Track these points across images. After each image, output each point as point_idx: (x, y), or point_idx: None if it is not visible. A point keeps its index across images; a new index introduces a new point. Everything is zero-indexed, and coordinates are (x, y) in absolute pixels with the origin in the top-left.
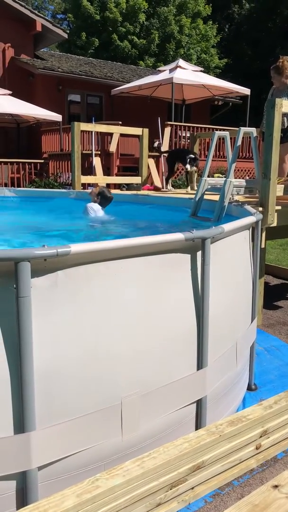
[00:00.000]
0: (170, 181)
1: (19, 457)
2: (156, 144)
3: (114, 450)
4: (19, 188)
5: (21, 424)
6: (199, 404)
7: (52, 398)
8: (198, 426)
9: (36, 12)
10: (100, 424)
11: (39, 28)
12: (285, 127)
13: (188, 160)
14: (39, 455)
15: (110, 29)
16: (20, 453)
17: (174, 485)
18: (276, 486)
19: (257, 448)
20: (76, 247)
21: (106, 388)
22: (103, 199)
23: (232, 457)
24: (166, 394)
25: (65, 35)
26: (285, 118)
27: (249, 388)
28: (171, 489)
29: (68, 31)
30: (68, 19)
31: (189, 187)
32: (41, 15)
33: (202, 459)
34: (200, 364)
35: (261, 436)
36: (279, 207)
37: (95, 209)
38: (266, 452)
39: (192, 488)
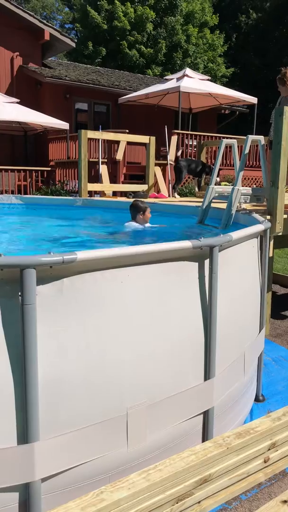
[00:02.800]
0: (177, 189)
1: (22, 468)
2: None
3: (119, 462)
4: (25, 196)
5: (24, 434)
6: (206, 415)
7: (57, 408)
8: (205, 438)
9: (45, 21)
10: (105, 435)
11: (47, 37)
12: None
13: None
14: (43, 466)
15: (118, 38)
16: (23, 464)
17: (180, 498)
18: (285, 501)
19: (265, 461)
20: (82, 255)
21: (112, 399)
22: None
23: (239, 470)
24: (173, 405)
25: (73, 44)
26: None
27: (256, 399)
28: (177, 503)
29: (76, 40)
30: (76, 28)
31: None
32: (50, 25)
33: (209, 472)
34: (207, 375)
35: (269, 449)
36: (286, 216)
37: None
38: (274, 466)
39: (199, 502)
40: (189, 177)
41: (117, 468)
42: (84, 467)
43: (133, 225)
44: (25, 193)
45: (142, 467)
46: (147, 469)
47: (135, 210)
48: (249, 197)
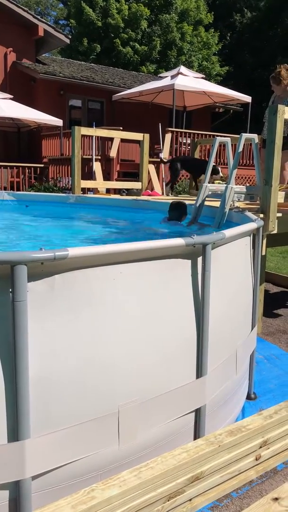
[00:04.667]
0: (171, 187)
1: (12, 466)
2: (163, 157)
3: (111, 459)
4: (18, 192)
5: (15, 432)
6: (198, 413)
7: (48, 405)
8: (196, 436)
9: (39, 17)
10: (97, 432)
11: (41, 33)
12: (285, 135)
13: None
14: (33, 464)
15: (112, 35)
16: (14, 462)
17: (172, 496)
18: (276, 499)
19: (256, 459)
20: (74, 251)
21: (103, 396)
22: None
23: (231, 468)
24: (165, 402)
25: (67, 41)
26: (285, 126)
27: (248, 397)
28: (168, 501)
29: (70, 37)
30: (70, 25)
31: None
32: (44, 21)
33: (201, 469)
34: (199, 372)
35: (261, 447)
36: (279, 214)
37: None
38: (266, 463)
39: (190, 499)
40: (182, 175)
41: (109, 465)
42: (75, 465)
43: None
44: (18, 189)
45: (134, 465)
46: (138, 466)
47: (182, 211)
48: (242, 195)
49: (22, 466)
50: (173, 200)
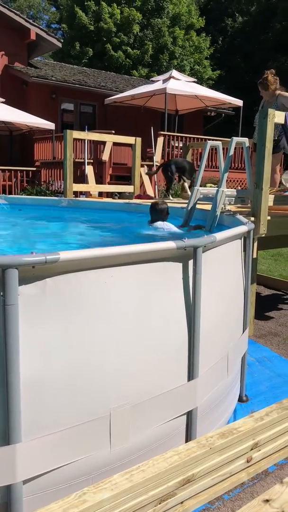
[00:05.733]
0: (168, 190)
1: (3, 470)
2: (146, 171)
3: (102, 463)
4: (10, 196)
5: (6, 435)
6: (190, 415)
7: (39, 409)
8: (188, 438)
9: (31, 21)
10: (88, 436)
11: (33, 37)
12: (275, 138)
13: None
14: (25, 468)
15: (104, 39)
16: (5, 466)
17: (163, 499)
18: (267, 501)
19: (248, 461)
20: (65, 255)
21: (95, 399)
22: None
23: (222, 470)
24: (156, 405)
25: (59, 44)
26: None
27: (240, 400)
28: (160, 504)
29: (62, 41)
30: (62, 29)
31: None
32: (36, 24)
33: (192, 472)
34: (191, 375)
35: (252, 449)
36: (270, 218)
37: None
38: (257, 465)
39: (182, 502)
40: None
41: (100, 469)
42: (66, 468)
43: (168, 225)
44: (10, 193)
45: (126, 468)
46: (130, 470)
47: (163, 213)
48: (233, 198)
49: (13, 470)
50: (152, 201)
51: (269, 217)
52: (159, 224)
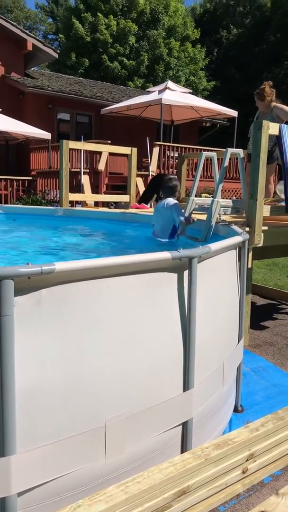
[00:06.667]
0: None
1: None
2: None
3: (98, 474)
4: (6, 205)
5: (1, 447)
6: (185, 426)
7: (34, 420)
8: (184, 449)
9: (27, 32)
10: (84, 447)
11: (30, 47)
12: (270, 148)
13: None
14: (19, 480)
15: (101, 50)
16: None
17: (159, 511)
18: None
19: (243, 472)
20: (61, 265)
21: (90, 410)
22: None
23: (218, 482)
24: (152, 416)
25: (56, 55)
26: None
27: (235, 410)
28: None
29: (58, 51)
30: (59, 39)
31: None
32: (32, 35)
33: (188, 483)
34: (186, 385)
35: (247, 460)
36: (265, 228)
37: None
38: (253, 476)
39: None
40: None
41: (96, 480)
42: (61, 480)
43: (171, 201)
44: (6, 202)
45: (121, 479)
46: (125, 481)
47: (174, 190)
48: (228, 209)
49: (7, 482)
50: (166, 176)
51: (265, 227)
52: (170, 201)
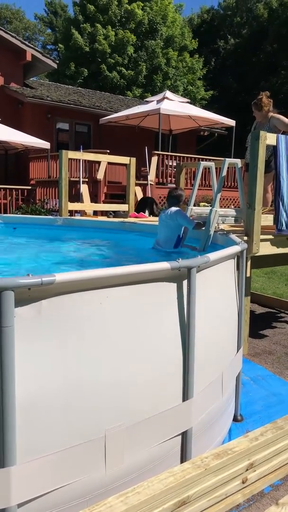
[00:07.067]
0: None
1: None
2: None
3: (97, 485)
4: (5, 215)
5: (1, 458)
6: (185, 436)
7: (34, 431)
8: (183, 459)
9: (27, 42)
10: (83, 457)
11: (29, 58)
12: (267, 158)
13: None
14: (20, 491)
15: (99, 60)
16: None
17: None
18: None
19: (243, 482)
20: (61, 276)
21: (90, 420)
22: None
23: (218, 492)
24: (151, 426)
25: (55, 65)
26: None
27: (235, 419)
28: None
29: (57, 61)
30: (58, 49)
31: None
32: (31, 46)
33: (188, 494)
34: (185, 395)
35: (247, 469)
36: (264, 237)
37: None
38: (253, 486)
39: None
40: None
41: (95, 491)
42: (61, 491)
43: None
44: (5, 211)
45: (121, 490)
46: (125, 492)
47: (178, 199)
48: (226, 218)
49: (7, 493)
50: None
51: (262, 236)
52: (173, 209)
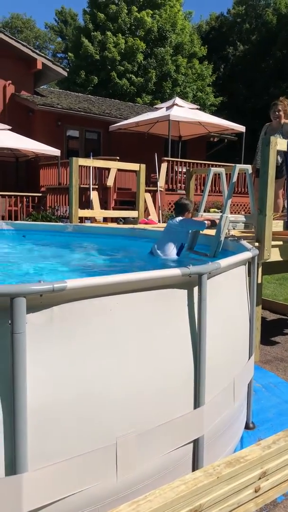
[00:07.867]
0: None
1: (9, 500)
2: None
3: (109, 492)
4: (16, 222)
5: (12, 465)
6: (196, 444)
7: (45, 437)
8: (195, 467)
9: (37, 51)
10: (95, 465)
11: (39, 66)
12: (279, 164)
13: None
14: (31, 498)
15: (109, 67)
16: (11, 496)
17: None
18: None
19: (256, 491)
20: (72, 283)
21: (101, 428)
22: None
23: (230, 501)
24: (163, 433)
25: (65, 73)
26: (278, 156)
27: (247, 427)
28: None
29: (67, 70)
30: (68, 58)
31: None
32: (42, 54)
33: (200, 502)
34: (197, 403)
35: (260, 478)
36: (275, 243)
37: None
38: (265, 495)
39: None
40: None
41: (107, 498)
42: (72, 499)
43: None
44: (16, 218)
45: (132, 498)
46: (136, 500)
47: (183, 209)
48: (237, 224)
49: (19, 500)
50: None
51: (274, 242)
52: (178, 218)
